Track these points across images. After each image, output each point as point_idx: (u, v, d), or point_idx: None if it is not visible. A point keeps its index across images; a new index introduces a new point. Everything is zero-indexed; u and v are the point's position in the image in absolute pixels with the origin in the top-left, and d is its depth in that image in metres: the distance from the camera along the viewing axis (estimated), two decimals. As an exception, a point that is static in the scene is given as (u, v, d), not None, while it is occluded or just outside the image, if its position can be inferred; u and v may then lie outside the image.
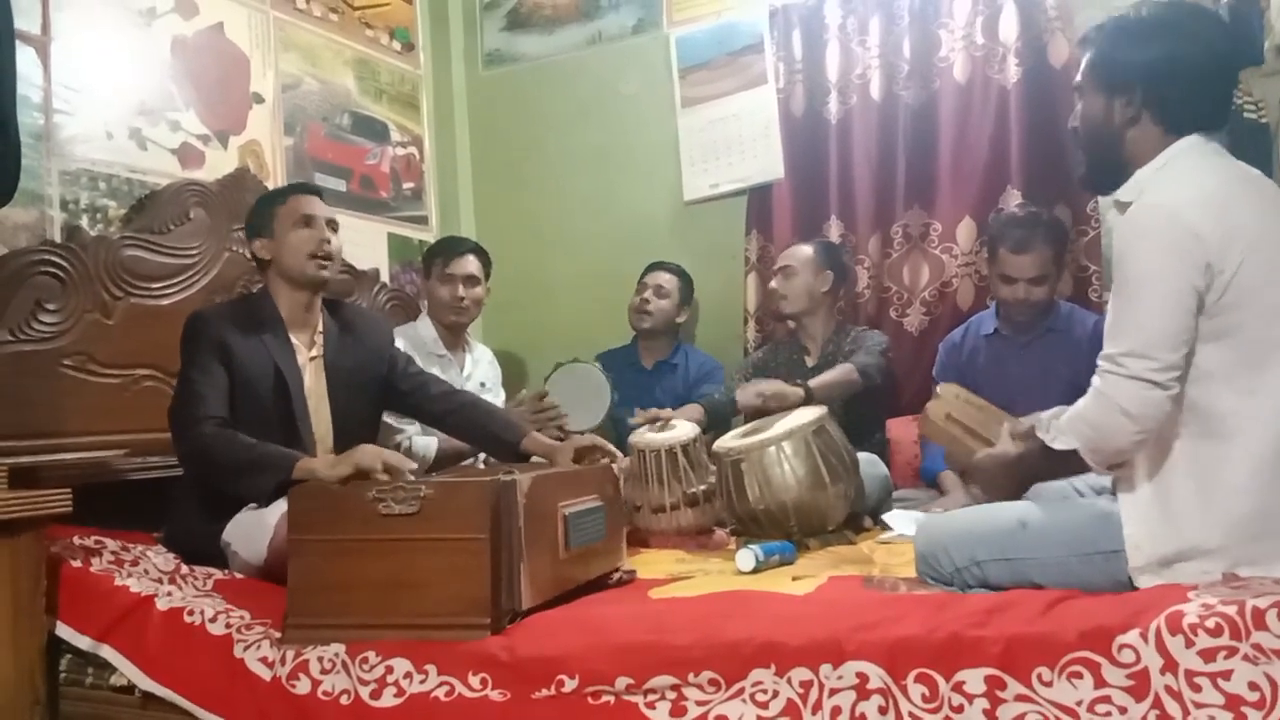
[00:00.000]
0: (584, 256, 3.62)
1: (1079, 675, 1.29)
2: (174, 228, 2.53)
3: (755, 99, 3.29)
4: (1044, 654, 1.31)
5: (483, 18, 3.84)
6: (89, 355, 2.31)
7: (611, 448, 2.16)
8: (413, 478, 1.75)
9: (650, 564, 2.13)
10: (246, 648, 1.67)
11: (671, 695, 1.43)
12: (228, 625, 1.72)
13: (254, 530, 1.98)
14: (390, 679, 1.55)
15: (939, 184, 3.06)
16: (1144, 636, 1.27)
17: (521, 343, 3.69)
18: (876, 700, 1.34)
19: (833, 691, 1.36)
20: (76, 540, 1.97)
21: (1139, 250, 1.47)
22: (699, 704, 1.42)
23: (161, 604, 1.78)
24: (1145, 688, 1.26)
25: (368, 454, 1.78)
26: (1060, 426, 1.55)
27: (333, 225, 2.27)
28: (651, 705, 1.44)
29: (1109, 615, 1.33)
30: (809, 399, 2.53)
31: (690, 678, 1.43)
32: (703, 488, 2.38)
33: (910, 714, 1.33)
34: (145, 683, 1.72)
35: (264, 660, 1.64)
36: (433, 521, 1.62)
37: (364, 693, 1.55)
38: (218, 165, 2.82)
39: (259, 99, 3.04)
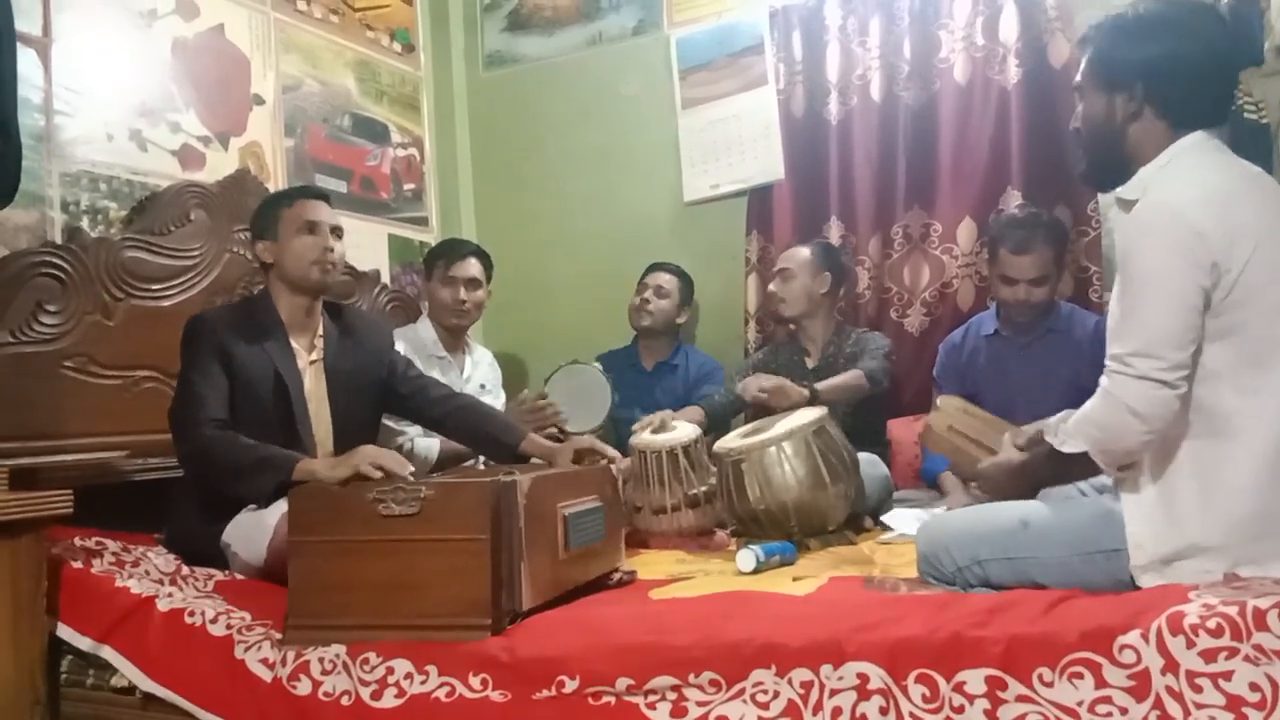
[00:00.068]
0: (584, 257, 3.62)
1: (1080, 676, 1.28)
2: (175, 229, 2.53)
3: (755, 100, 3.29)
4: (1045, 654, 1.31)
5: (483, 19, 3.85)
6: (90, 356, 2.31)
7: (611, 451, 2.15)
8: (412, 479, 1.75)
9: (650, 565, 2.13)
10: (247, 649, 1.67)
11: (672, 696, 1.43)
12: (228, 626, 1.72)
13: (253, 531, 1.98)
14: (391, 680, 1.56)
15: (939, 185, 3.06)
16: (1145, 637, 1.27)
17: (522, 343, 3.70)
18: (877, 701, 1.34)
19: (833, 692, 1.36)
20: (77, 541, 1.97)
21: (1143, 248, 1.47)
22: (699, 704, 1.42)
23: (162, 605, 1.78)
24: (1146, 688, 1.26)
25: (367, 455, 1.79)
26: (1068, 430, 1.55)
27: (337, 232, 2.27)
28: (652, 706, 1.44)
29: (1110, 615, 1.33)
30: (813, 401, 2.53)
31: (691, 678, 1.43)
32: (703, 489, 2.38)
33: (911, 714, 1.33)
34: (146, 684, 1.73)
35: (265, 661, 1.64)
36: (433, 522, 1.62)
37: (365, 693, 1.55)
38: (218, 167, 2.82)
39: (259, 100, 3.04)
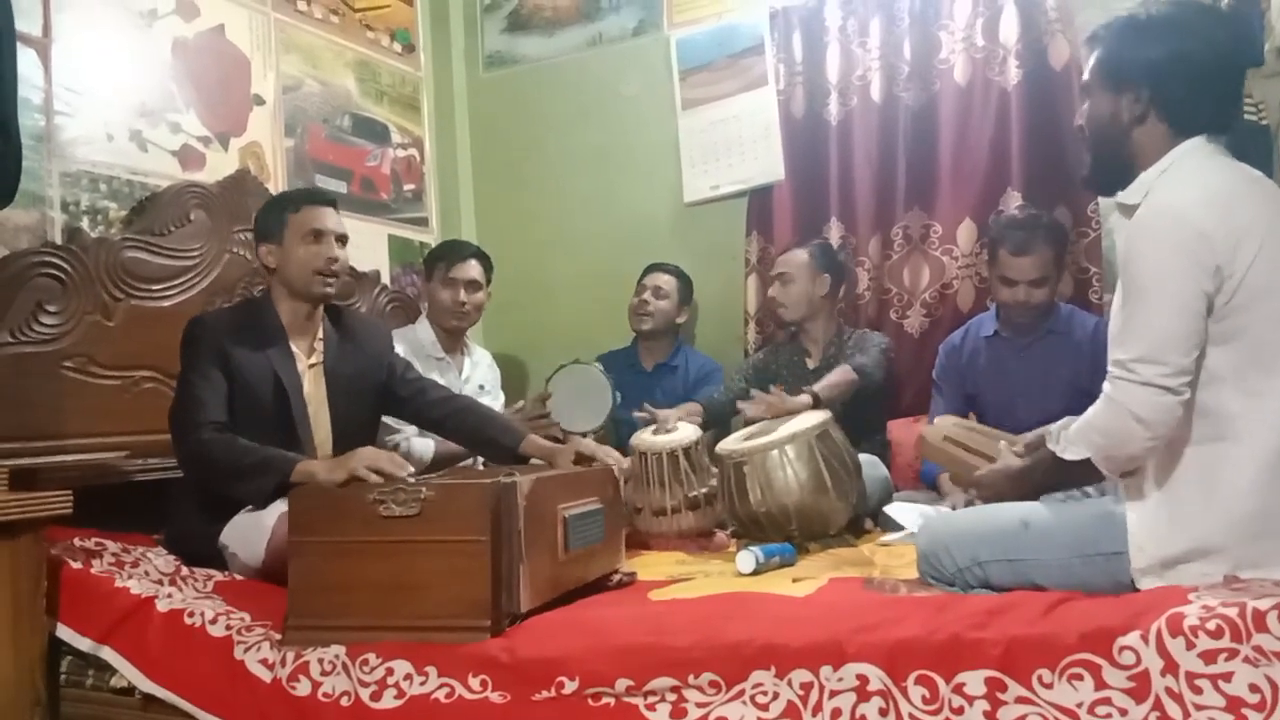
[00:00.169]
0: (584, 258, 3.62)
1: (1079, 677, 1.29)
2: (175, 229, 2.53)
3: (756, 100, 3.29)
4: (1044, 656, 1.31)
5: (483, 19, 3.85)
6: (89, 357, 2.31)
7: (615, 455, 2.15)
8: (412, 480, 1.75)
9: (650, 566, 2.13)
10: (247, 649, 1.67)
11: (672, 697, 1.44)
12: (228, 627, 1.73)
13: (251, 532, 1.98)
14: (390, 680, 1.56)
15: (939, 186, 3.05)
16: (1145, 638, 1.27)
17: (521, 344, 3.70)
18: (877, 702, 1.34)
19: (833, 693, 1.36)
20: (77, 542, 1.97)
21: (1146, 252, 1.46)
22: (699, 706, 1.42)
23: (162, 606, 1.78)
24: (1146, 690, 1.26)
25: (364, 458, 1.79)
26: (1070, 436, 1.55)
27: (342, 240, 2.26)
28: (652, 707, 1.44)
29: (1109, 617, 1.33)
30: (816, 405, 2.52)
31: (690, 679, 1.43)
32: (704, 490, 2.38)
33: (910, 716, 1.33)
34: (146, 684, 1.73)
35: (264, 662, 1.64)
36: (433, 523, 1.62)
37: (364, 694, 1.55)
38: (218, 167, 2.83)
39: (260, 101, 3.04)
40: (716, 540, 2.38)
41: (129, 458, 2.19)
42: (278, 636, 1.68)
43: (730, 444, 2.35)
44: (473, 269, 2.98)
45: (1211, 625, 1.25)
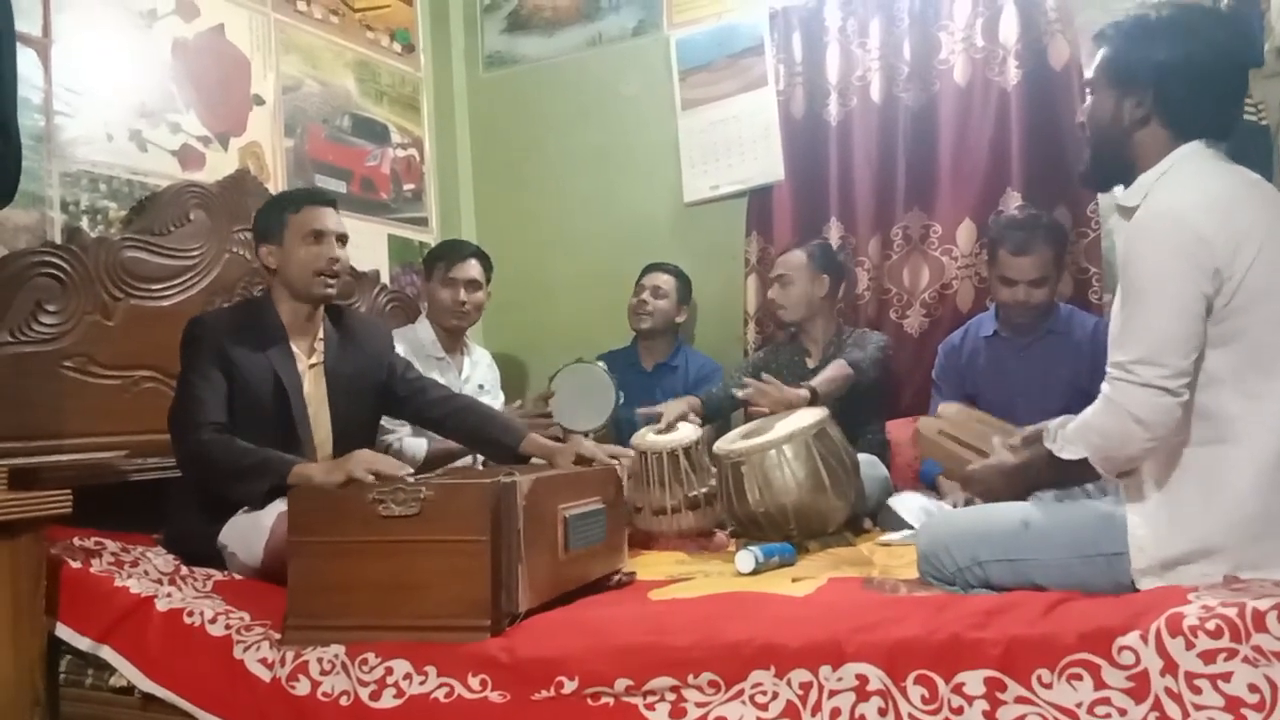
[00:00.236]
0: (584, 258, 3.62)
1: (1079, 677, 1.29)
2: (174, 229, 2.53)
3: (755, 101, 3.29)
4: (1044, 656, 1.31)
5: (483, 19, 3.85)
6: (89, 356, 2.31)
7: (617, 451, 2.15)
8: (411, 479, 1.75)
9: (650, 566, 2.13)
10: (246, 649, 1.67)
11: (671, 697, 1.44)
12: (227, 626, 1.73)
13: (250, 532, 1.98)
14: (390, 680, 1.56)
15: (939, 186, 3.05)
16: (1144, 638, 1.27)
17: (522, 343, 3.70)
18: (876, 702, 1.34)
19: (832, 693, 1.36)
20: (76, 541, 1.97)
21: (1146, 254, 1.46)
22: (699, 705, 1.42)
23: (161, 605, 1.78)
24: (1145, 689, 1.26)
25: (362, 461, 1.79)
26: (1068, 435, 1.55)
27: (342, 240, 2.26)
28: (651, 707, 1.44)
29: (1109, 617, 1.33)
30: (814, 401, 2.52)
31: (690, 679, 1.43)
32: (704, 490, 2.38)
33: (910, 715, 1.33)
34: (145, 684, 1.73)
35: (264, 661, 1.65)
36: (433, 523, 1.62)
37: (364, 694, 1.55)
38: (218, 167, 2.82)
39: (259, 101, 3.04)
40: (716, 540, 2.38)
41: (128, 457, 2.20)
42: (277, 636, 1.68)
43: (728, 444, 2.35)
44: (472, 268, 2.98)
45: (1211, 625, 1.25)
